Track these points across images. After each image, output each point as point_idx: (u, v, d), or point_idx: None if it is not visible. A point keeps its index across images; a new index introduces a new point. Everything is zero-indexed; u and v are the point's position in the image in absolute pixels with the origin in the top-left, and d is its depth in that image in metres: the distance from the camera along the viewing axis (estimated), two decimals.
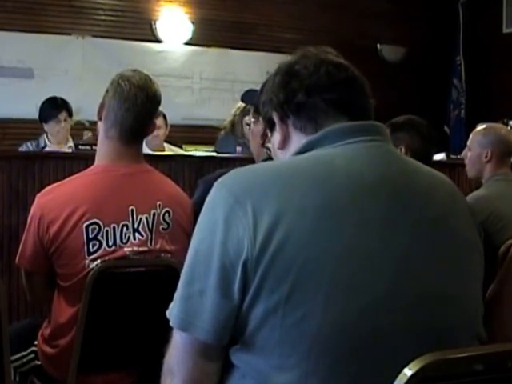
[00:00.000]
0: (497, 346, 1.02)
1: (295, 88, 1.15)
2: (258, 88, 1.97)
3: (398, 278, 1.03)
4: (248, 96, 2.10)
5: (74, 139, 4.37)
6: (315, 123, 1.14)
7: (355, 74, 1.19)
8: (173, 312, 1.07)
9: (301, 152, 1.13)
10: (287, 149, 1.19)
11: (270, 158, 1.82)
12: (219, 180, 1.08)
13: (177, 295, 1.07)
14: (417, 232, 1.06)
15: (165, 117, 4.75)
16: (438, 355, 0.94)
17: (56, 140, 4.27)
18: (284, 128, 1.19)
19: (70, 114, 4.33)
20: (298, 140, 1.16)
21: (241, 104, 3.88)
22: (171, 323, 1.07)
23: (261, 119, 1.96)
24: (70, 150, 4.22)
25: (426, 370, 0.92)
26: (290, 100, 1.16)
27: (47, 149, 4.20)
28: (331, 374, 0.99)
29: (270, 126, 1.22)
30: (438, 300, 1.05)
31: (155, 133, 4.59)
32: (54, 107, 4.28)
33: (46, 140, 4.29)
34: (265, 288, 0.99)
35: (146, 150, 3.80)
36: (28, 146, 4.22)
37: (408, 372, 0.92)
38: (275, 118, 1.20)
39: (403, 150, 2.46)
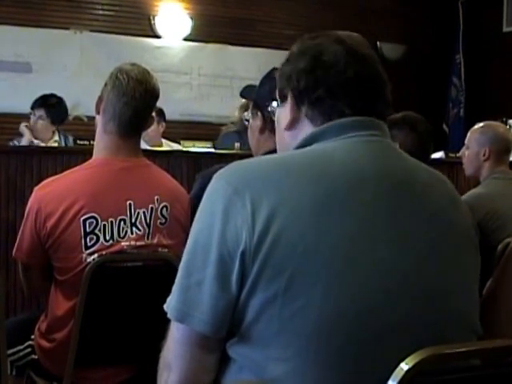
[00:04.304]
0: (492, 341, 1.03)
1: (319, 81, 1.12)
2: (257, 84, 1.99)
3: (397, 272, 1.03)
4: (247, 91, 2.10)
5: (59, 133, 4.36)
6: (328, 120, 1.13)
7: (379, 71, 1.16)
8: (171, 304, 1.07)
9: (302, 145, 1.13)
10: (293, 132, 1.17)
11: (268, 153, 1.82)
12: (218, 172, 1.08)
13: (175, 287, 1.07)
14: (416, 228, 1.07)
15: (160, 113, 4.51)
16: (435, 350, 0.95)
17: (35, 135, 4.29)
18: (296, 112, 1.17)
19: (54, 115, 4.28)
20: (305, 128, 1.15)
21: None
22: (169, 315, 1.06)
23: (259, 114, 1.96)
24: (55, 145, 4.25)
25: (423, 365, 0.93)
26: (310, 91, 1.13)
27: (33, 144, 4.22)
28: (329, 364, 0.99)
29: (281, 98, 1.20)
30: (437, 294, 1.05)
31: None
32: (34, 102, 4.30)
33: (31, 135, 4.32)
34: (263, 279, 0.99)
35: (144, 145, 3.79)
36: (14, 144, 4.25)
37: (404, 366, 0.92)
38: (290, 98, 1.17)
39: (397, 147, 2.45)
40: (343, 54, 1.13)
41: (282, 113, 1.20)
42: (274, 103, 1.26)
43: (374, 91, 1.15)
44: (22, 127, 4.31)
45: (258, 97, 1.95)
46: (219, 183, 1.06)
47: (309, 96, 1.14)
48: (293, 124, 1.17)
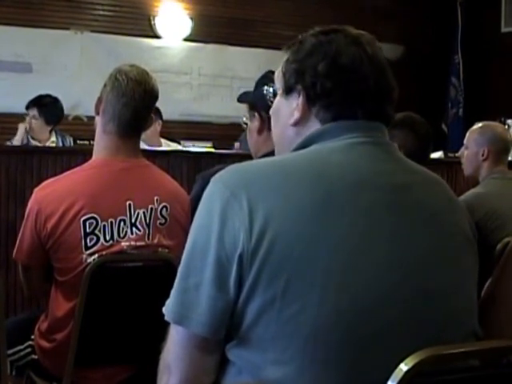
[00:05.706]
0: (491, 342, 1.03)
1: (336, 86, 1.11)
2: (258, 84, 2.00)
3: (396, 273, 1.03)
4: (243, 96, 2.12)
5: (56, 133, 4.35)
6: (336, 121, 1.13)
7: (391, 75, 1.16)
8: (169, 306, 1.07)
9: (300, 147, 1.13)
10: (300, 129, 1.15)
11: (267, 155, 1.83)
12: (216, 175, 1.08)
13: (173, 289, 1.08)
14: (415, 229, 1.07)
15: (156, 111, 4.51)
16: (434, 351, 0.95)
17: (32, 136, 4.30)
18: (306, 111, 1.15)
19: (48, 115, 4.29)
20: (314, 127, 1.14)
21: None
22: (166, 317, 1.07)
23: (256, 115, 1.98)
24: (53, 145, 4.26)
25: (422, 365, 0.93)
26: (325, 95, 1.12)
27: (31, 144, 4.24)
28: (327, 367, 1.00)
29: (286, 91, 1.17)
30: (436, 295, 1.06)
31: None
32: (29, 102, 4.32)
33: (29, 135, 4.33)
34: (261, 282, 1.00)
35: (142, 145, 3.77)
36: (11, 143, 4.26)
37: (404, 367, 0.92)
38: (302, 97, 1.14)
39: (396, 147, 2.46)
40: (362, 59, 1.12)
41: (286, 106, 1.18)
42: (271, 89, 1.25)
43: (385, 95, 1.15)
44: (20, 124, 4.33)
45: (254, 98, 1.97)
46: (216, 186, 1.06)
47: (323, 99, 1.12)
48: (301, 122, 1.16)
